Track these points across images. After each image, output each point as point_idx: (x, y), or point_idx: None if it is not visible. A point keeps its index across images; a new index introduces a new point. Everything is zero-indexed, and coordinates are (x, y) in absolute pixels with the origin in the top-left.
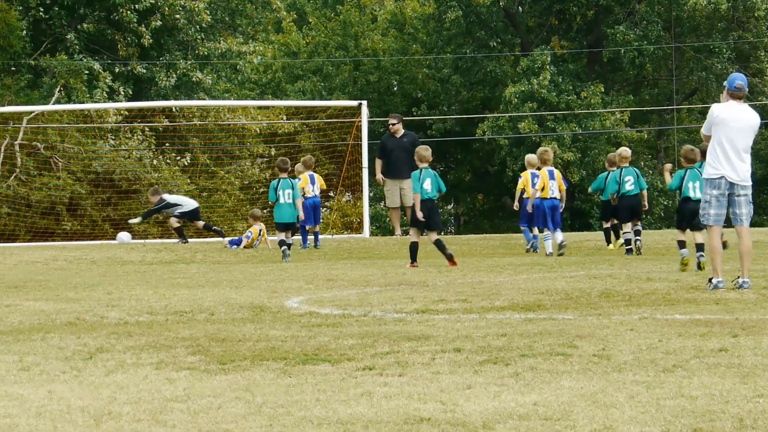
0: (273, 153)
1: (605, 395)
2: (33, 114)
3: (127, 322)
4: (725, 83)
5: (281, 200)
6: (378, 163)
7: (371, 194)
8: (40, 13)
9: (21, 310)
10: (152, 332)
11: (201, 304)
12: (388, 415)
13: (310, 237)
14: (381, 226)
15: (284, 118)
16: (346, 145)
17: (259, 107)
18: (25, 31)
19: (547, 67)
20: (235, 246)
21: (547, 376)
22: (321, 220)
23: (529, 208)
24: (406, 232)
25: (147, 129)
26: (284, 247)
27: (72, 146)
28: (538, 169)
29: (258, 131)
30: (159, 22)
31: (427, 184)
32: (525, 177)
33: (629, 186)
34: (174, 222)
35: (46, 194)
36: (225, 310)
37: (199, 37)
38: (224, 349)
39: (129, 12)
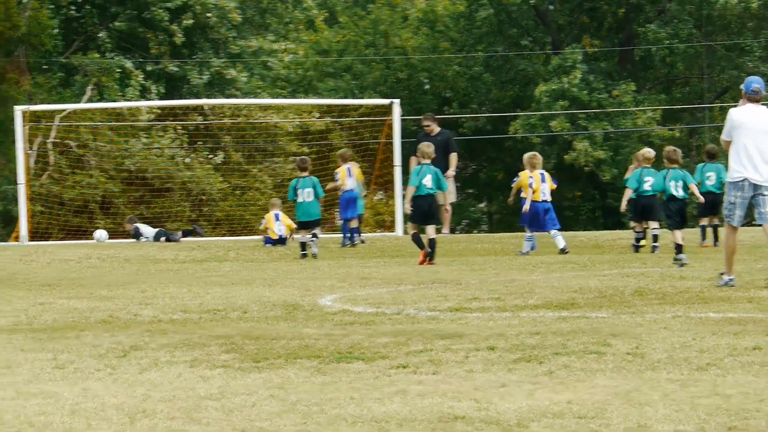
0: (305, 151)
1: (639, 393)
2: (65, 112)
3: (160, 320)
4: (742, 87)
5: (300, 199)
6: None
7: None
8: (72, 12)
9: (55, 308)
10: (186, 330)
11: (234, 302)
12: (422, 413)
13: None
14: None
15: (316, 116)
16: (378, 144)
17: (291, 105)
18: (56, 30)
19: (578, 65)
20: (270, 244)
21: (581, 374)
22: (358, 212)
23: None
24: (438, 231)
25: (179, 127)
26: (303, 249)
27: (104, 144)
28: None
29: (290, 129)
30: (191, 21)
31: (428, 180)
32: (523, 177)
33: (647, 186)
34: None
35: (79, 192)
36: (258, 308)
37: (230, 35)
38: (258, 347)
39: (161, 10)
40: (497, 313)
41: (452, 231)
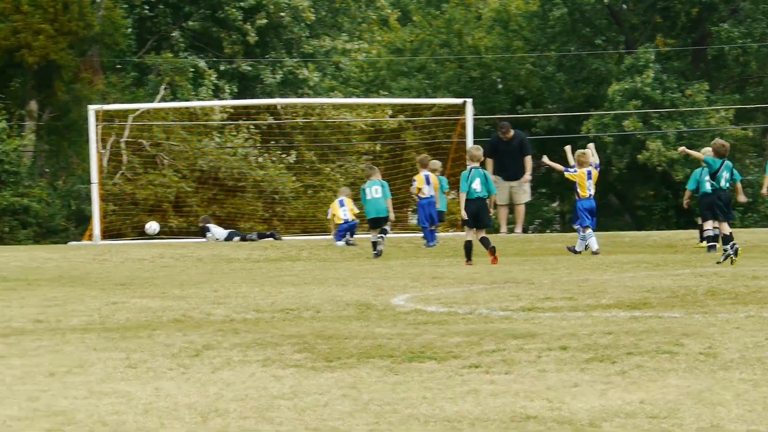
0: (378, 150)
1: (712, 393)
2: (138, 112)
3: (233, 320)
4: None
5: (368, 196)
6: (489, 162)
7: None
8: (146, 11)
9: (128, 307)
10: (258, 329)
11: (307, 301)
12: (494, 413)
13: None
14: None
15: (389, 114)
16: (450, 143)
17: (364, 104)
18: (130, 29)
19: (651, 65)
20: (340, 237)
21: (654, 374)
22: (438, 221)
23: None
24: (511, 230)
25: (252, 126)
26: (375, 249)
27: (177, 144)
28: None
29: (363, 128)
30: (264, 20)
31: (477, 184)
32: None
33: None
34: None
35: (152, 192)
36: (331, 307)
37: (303, 34)
38: (330, 346)
39: (234, 10)
40: (570, 313)
41: (525, 230)
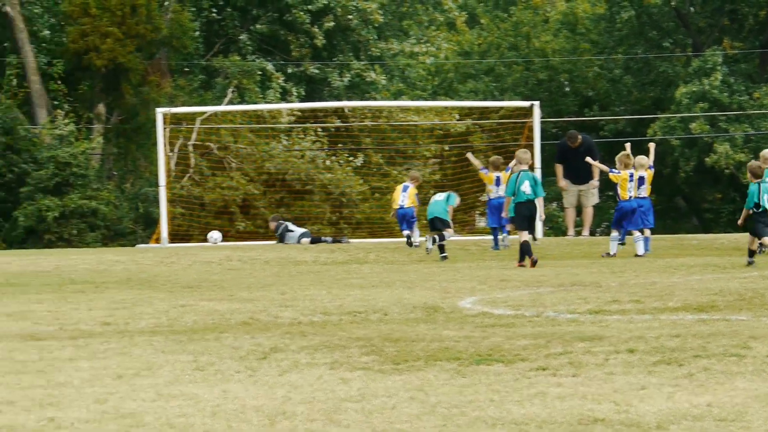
0: (445, 153)
1: None
2: (206, 115)
3: (300, 322)
4: None
5: (431, 199)
6: (558, 168)
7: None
8: (213, 14)
9: (196, 310)
10: (326, 332)
11: (374, 304)
12: (561, 416)
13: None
14: (553, 227)
15: (456, 115)
16: (517, 146)
17: (432, 107)
18: (198, 32)
19: (719, 67)
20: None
21: (721, 377)
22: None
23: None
24: (579, 233)
25: (320, 129)
26: (442, 251)
27: (245, 147)
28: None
29: (430, 131)
30: (332, 23)
31: (525, 186)
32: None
33: None
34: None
35: (220, 194)
36: (398, 310)
37: (371, 37)
38: (398, 349)
39: (302, 12)
40: (637, 316)
41: (592, 233)
